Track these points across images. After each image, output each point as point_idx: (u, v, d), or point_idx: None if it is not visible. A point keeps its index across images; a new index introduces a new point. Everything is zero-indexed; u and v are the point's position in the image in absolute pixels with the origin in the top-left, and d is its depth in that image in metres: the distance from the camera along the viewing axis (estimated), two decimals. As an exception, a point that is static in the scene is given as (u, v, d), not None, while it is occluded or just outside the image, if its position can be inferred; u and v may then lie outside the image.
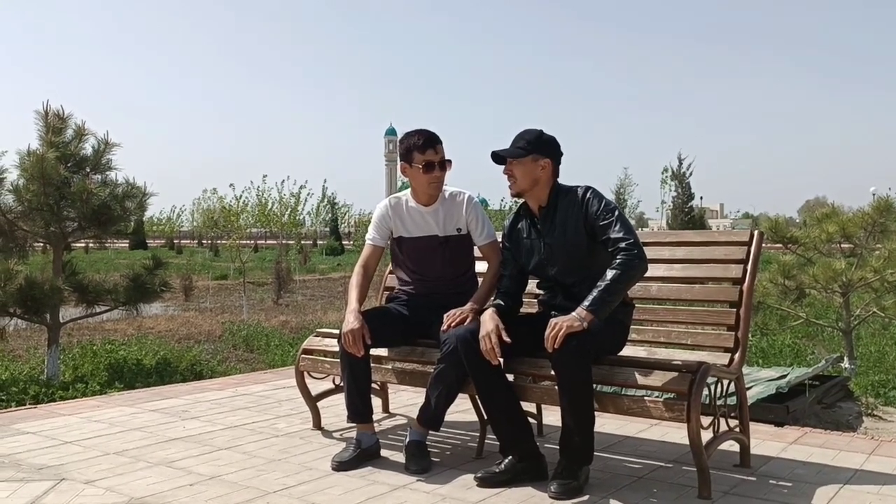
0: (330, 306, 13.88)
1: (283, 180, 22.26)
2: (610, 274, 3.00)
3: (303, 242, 31.29)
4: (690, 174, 24.50)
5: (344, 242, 43.86)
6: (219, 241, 38.85)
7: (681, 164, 24.74)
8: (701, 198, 26.39)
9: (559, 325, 2.91)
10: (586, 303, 2.96)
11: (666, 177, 25.39)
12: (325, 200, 41.22)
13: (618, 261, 3.02)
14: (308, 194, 23.49)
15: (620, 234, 3.05)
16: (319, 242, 47.53)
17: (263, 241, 46.03)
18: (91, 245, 38.49)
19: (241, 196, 18.78)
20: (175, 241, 50.69)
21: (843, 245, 7.00)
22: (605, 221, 3.10)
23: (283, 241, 26.75)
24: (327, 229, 48.10)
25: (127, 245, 43.33)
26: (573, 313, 2.95)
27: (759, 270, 3.55)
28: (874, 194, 6.97)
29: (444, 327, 3.28)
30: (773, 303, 6.82)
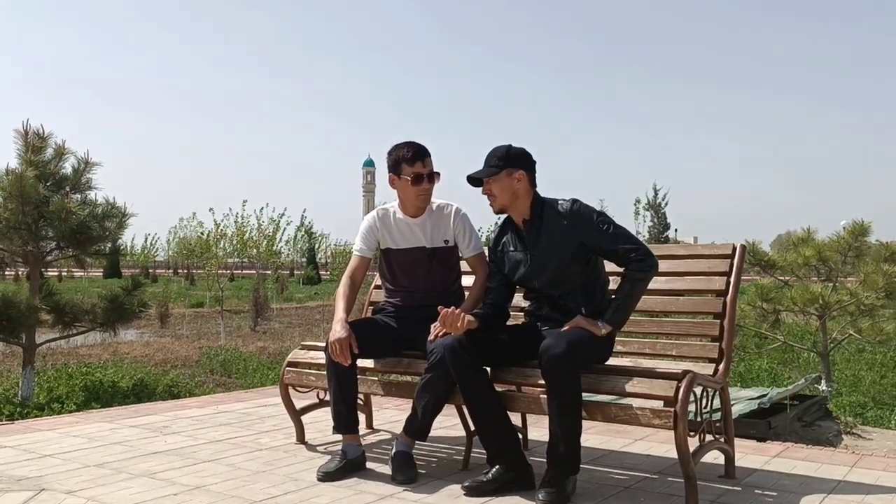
0: (308, 333, 13.79)
1: (262, 207, 22.09)
2: (627, 286, 3.16)
3: (280, 272, 31.10)
4: (666, 204, 24.80)
5: (321, 273, 43.65)
6: (195, 271, 38.55)
7: (656, 194, 25.03)
8: (676, 230, 26.64)
9: (578, 322, 3.11)
10: (606, 317, 3.14)
11: (639, 207, 25.65)
12: (303, 230, 41.11)
13: (633, 270, 3.15)
14: (287, 222, 23.37)
15: (627, 245, 3.15)
16: (297, 272, 47.29)
17: (240, 272, 45.75)
18: (64, 273, 38.13)
19: (220, 223, 18.63)
20: (150, 271, 50.15)
21: (819, 271, 7.11)
22: (605, 234, 3.17)
23: (261, 271, 26.59)
24: (304, 259, 47.88)
25: (101, 274, 42.86)
26: (596, 321, 3.13)
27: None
28: (844, 228, 7.08)
29: (430, 337, 3.28)
30: (751, 325, 6.89)
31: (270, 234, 21.82)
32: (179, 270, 52.28)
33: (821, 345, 6.78)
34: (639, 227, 25.05)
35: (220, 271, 18.83)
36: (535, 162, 3.34)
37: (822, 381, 6.57)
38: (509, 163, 3.26)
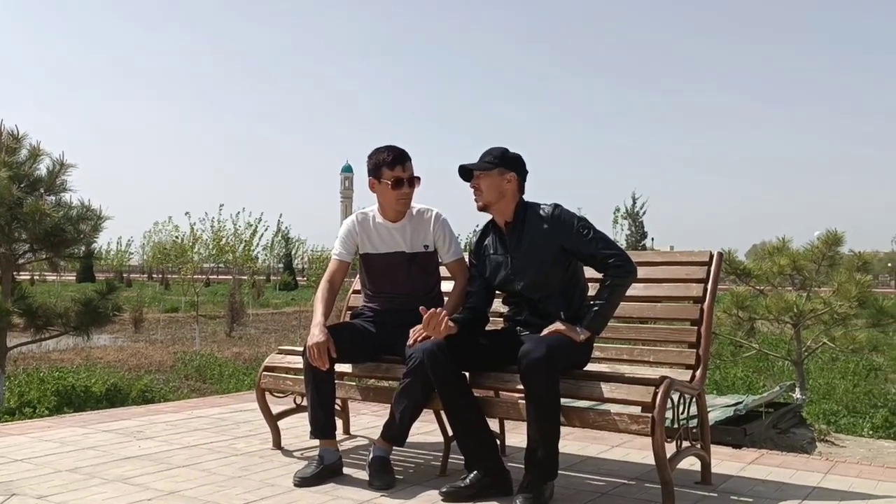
0: (284, 339, 13.71)
1: (239, 212, 21.93)
2: (606, 292, 3.16)
3: (256, 277, 30.91)
4: (644, 213, 25.05)
5: (298, 278, 43.43)
6: (170, 276, 38.18)
7: (634, 202, 25.27)
8: (653, 239, 26.88)
9: (557, 327, 3.09)
10: (585, 323, 3.14)
11: (618, 216, 25.90)
12: (280, 235, 40.89)
13: (612, 276, 3.16)
14: (264, 227, 23.22)
15: (606, 251, 3.17)
16: (273, 278, 47.02)
17: (216, 277, 45.42)
18: (36, 277, 37.66)
19: (195, 227, 18.49)
20: (124, 275, 49.63)
21: (793, 280, 7.19)
22: (586, 239, 3.18)
23: (237, 276, 26.43)
24: (281, 265, 47.62)
25: (74, 278, 42.40)
26: (575, 327, 3.12)
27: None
28: (818, 238, 7.18)
29: (409, 342, 3.27)
30: (726, 333, 6.95)
31: (247, 238, 21.69)
32: (154, 275, 51.80)
33: (795, 353, 6.85)
34: (616, 235, 25.27)
35: (195, 276, 18.70)
36: (527, 169, 3.37)
37: (797, 389, 6.64)
38: (503, 163, 3.29)
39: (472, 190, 3.33)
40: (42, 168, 6.77)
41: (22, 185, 6.59)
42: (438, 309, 3.18)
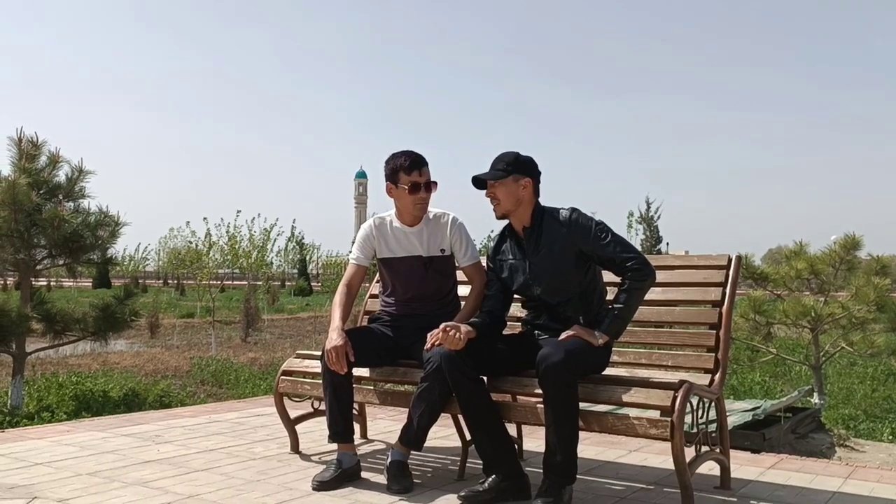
0: (300, 344, 13.73)
1: (254, 217, 21.95)
2: (624, 296, 3.14)
3: (271, 283, 30.95)
4: (658, 217, 24.96)
5: (313, 284, 43.49)
6: (185, 282, 38.36)
7: (649, 207, 25.18)
8: (667, 243, 26.75)
9: (575, 331, 3.09)
10: (603, 327, 3.13)
11: (632, 220, 25.82)
12: (294, 241, 40.92)
13: (630, 281, 3.14)
14: (278, 233, 23.21)
15: (625, 255, 3.15)
16: (288, 283, 47.11)
17: (230, 283, 45.55)
18: (53, 283, 37.95)
19: (212, 233, 18.52)
20: (140, 281, 49.85)
21: (811, 284, 7.14)
22: (604, 243, 3.17)
23: (252, 282, 26.49)
24: (295, 271, 47.70)
25: (90, 284, 42.67)
26: (593, 331, 3.12)
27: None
28: (835, 242, 7.12)
29: (427, 346, 3.27)
30: (743, 337, 6.91)
31: (261, 244, 21.71)
32: (169, 280, 52.03)
33: (813, 358, 6.79)
34: (631, 239, 25.17)
35: (210, 282, 18.75)
36: (540, 171, 3.35)
37: (815, 394, 6.58)
38: (517, 169, 3.27)
39: (490, 199, 3.31)
40: (61, 174, 6.83)
41: (41, 192, 6.64)
42: (455, 326, 3.18)
